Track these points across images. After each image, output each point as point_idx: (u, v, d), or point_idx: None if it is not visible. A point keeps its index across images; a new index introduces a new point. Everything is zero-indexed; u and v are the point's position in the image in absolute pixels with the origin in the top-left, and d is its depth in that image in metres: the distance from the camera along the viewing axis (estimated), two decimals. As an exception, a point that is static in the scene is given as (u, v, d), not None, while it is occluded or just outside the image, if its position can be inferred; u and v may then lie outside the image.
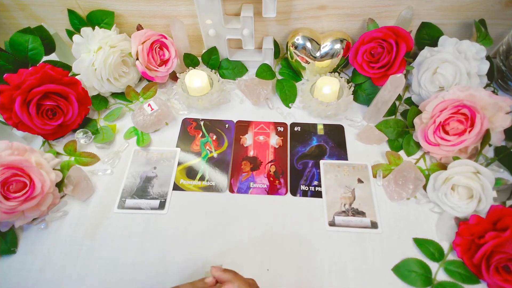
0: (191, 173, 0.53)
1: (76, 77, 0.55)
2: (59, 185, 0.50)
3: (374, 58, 0.54)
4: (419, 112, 0.53)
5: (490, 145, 0.52)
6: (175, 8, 0.60)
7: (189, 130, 0.59)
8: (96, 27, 0.57)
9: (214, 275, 0.38)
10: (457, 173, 0.46)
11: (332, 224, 0.48)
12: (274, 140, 0.57)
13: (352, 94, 0.58)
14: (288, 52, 0.63)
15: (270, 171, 0.53)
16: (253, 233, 0.47)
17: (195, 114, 0.61)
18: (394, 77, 0.48)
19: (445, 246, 0.45)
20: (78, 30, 0.59)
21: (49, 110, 0.51)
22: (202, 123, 0.60)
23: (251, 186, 0.52)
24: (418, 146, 0.54)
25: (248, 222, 0.48)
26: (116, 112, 0.60)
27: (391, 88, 0.49)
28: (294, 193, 0.51)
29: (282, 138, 0.57)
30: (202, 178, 0.53)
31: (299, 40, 0.60)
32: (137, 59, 0.58)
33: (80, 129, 0.56)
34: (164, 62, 0.61)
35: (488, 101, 0.47)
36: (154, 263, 0.45)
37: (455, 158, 0.49)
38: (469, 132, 0.47)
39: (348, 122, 0.59)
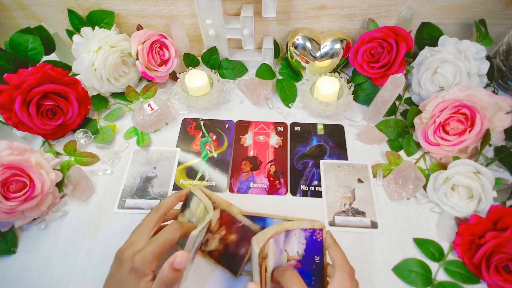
0: (191, 173, 0.53)
1: (76, 77, 0.55)
2: (59, 185, 0.50)
3: (374, 58, 0.54)
4: (419, 112, 0.53)
5: (490, 145, 0.52)
6: (175, 8, 0.60)
7: (189, 130, 0.59)
8: (96, 27, 0.56)
9: (328, 238, 0.37)
10: (457, 173, 0.46)
11: (332, 224, 0.48)
12: (274, 140, 0.57)
13: (352, 94, 0.58)
14: (288, 52, 0.63)
15: (270, 171, 0.53)
16: (253, 233, 0.47)
17: (195, 114, 0.61)
18: (394, 77, 0.48)
19: (445, 246, 0.45)
20: (78, 30, 0.59)
21: (49, 110, 0.51)
22: (202, 123, 0.60)
23: (251, 186, 0.52)
24: (418, 146, 0.54)
25: (248, 222, 0.48)
26: (116, 112, 0.60)
27: (391, 88, 0.49)
28: (294, 193, 0.51)
29: (282, 138, 0.57)
30: (202, 178, 0.53)
31: (299, 40, 0.60)
32: (137, 59, 0.58)
33: (80, 129, 0.56)
34: (164, 62, 0.61)
35: (488, 101, 0.47)
36: (154, 263, 0.45)
37: (455, 158, 0.49)
38: (469, 132, 0.47)
39: (348, 122, 0.59)
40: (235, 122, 0.60)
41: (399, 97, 0.61)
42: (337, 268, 0.34)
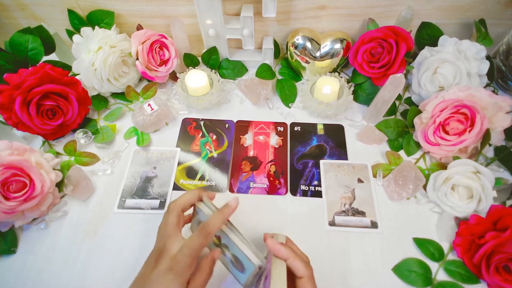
0: (191, 173, 0.53)
1: (76, 77, 0.55)
2: (59, 185, 0.50)
3: (374, 58, 0.54)
4: (419, 112, 0.53)
5: (490, 145, 0.52)
6: (175, 8, 0.60)
7: (189, 130, 0.59)
8: (96, 27, 0.57)
9: (269, 246, 0.34)
10: (457, 173, 0.46)
11: (332, 224, 0.48)
12: (274, 140, 0.57)
13: (352, 94, 0.58)
14: (288, 52, 0.63)
15: (270, 171, 0.53)
16: (253, 233, 0.47)
17: (195, 114, 0.61)
18: (394, 77, 0.48)
19: (445, 246, 0.45)
20: (78, 30, 0.59)
21: (49, 110, 0.51)
22: (202, 123, 0.60)
23: (251, 186, 0.52)
24: (418, 146, 0.54)
25: (248, 222, 0.48)
26: (116, 112, 0.60)
27: (391, 88, 0.49)
28: (294, 193, 0.51)
29: (282, 138, 0.57)
30: (202, 178, 0.53)
31: (299, 40, 0.60)
32: (137, 59, 0.58)
33: (80, 129, 0.56)
34: (164, 62, 0.61)
35: (488, 101, 0.47)
36: (154, 263, 0.45)
37: (455, 158, 0.49)
38: (469, 132, 0.47)
39: (348, 122, 0.59)
40: (235, 122, 0.60)
41: (399, 97, 0.61)
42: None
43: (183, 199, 0.38)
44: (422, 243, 0.45)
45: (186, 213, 0.39)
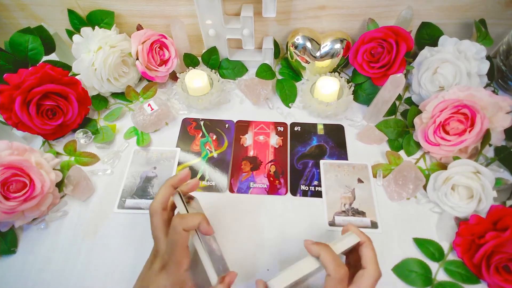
0: (191, 173, 0.53)
1: (76, 77, 0.55)
2: (59, 185, 0.50)
3: (374, 58, 0.54)
4: (419, 112, 0.53)
5: (490, 145, 0.52)
6: (175, 8, 0.60)
7: (189, 130, 0.59)
8: (96, 27, 0.57)
9: (305, 245, 0.35)
10: (457, 173, 0.46)
11: (332, 224, 0.48)
12: (274, 140, 0.57)
13: (352, 94, 0.58)
14: (288, 52, 0.63)
15: (270, 171, 0.53)
16: (253, 233, 0.47)
17: (195, 114, 0.61)
18: (394, 77, 0.48)
19: (445, 246, 0.45)
20: (78, 30, 0.59)
21: (49, 110, 0.51)
22: (202, 123, 0.60)
23: (251, 186, 0.52)
24: (418, 146, 0.54)
25: (248, 222, 0.48)
26: (116, 112, 0.60)
27: (391, 88, 0.49)
28: (294, 193, 0.51)
29: (282, 138, 0.57)
30: (202, 178, 0.53)
31: (299, 40, 0.60)
32: (137, 59, 0.58)
33: (80, 129, 0.56)
34: (164, 62, 0.61)
35: (488, 101, 0.47)
36: (154, 263, 0.45)
37: (455, 158, 0.49)
38: (469, 132, 0.47)
39: (348, 122, 0.59)
40: (235, 122, 0.60)
41: (399, 97, 0.61)
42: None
43: (158, 198, 0.37)
44: (422, 243, 0.45)
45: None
